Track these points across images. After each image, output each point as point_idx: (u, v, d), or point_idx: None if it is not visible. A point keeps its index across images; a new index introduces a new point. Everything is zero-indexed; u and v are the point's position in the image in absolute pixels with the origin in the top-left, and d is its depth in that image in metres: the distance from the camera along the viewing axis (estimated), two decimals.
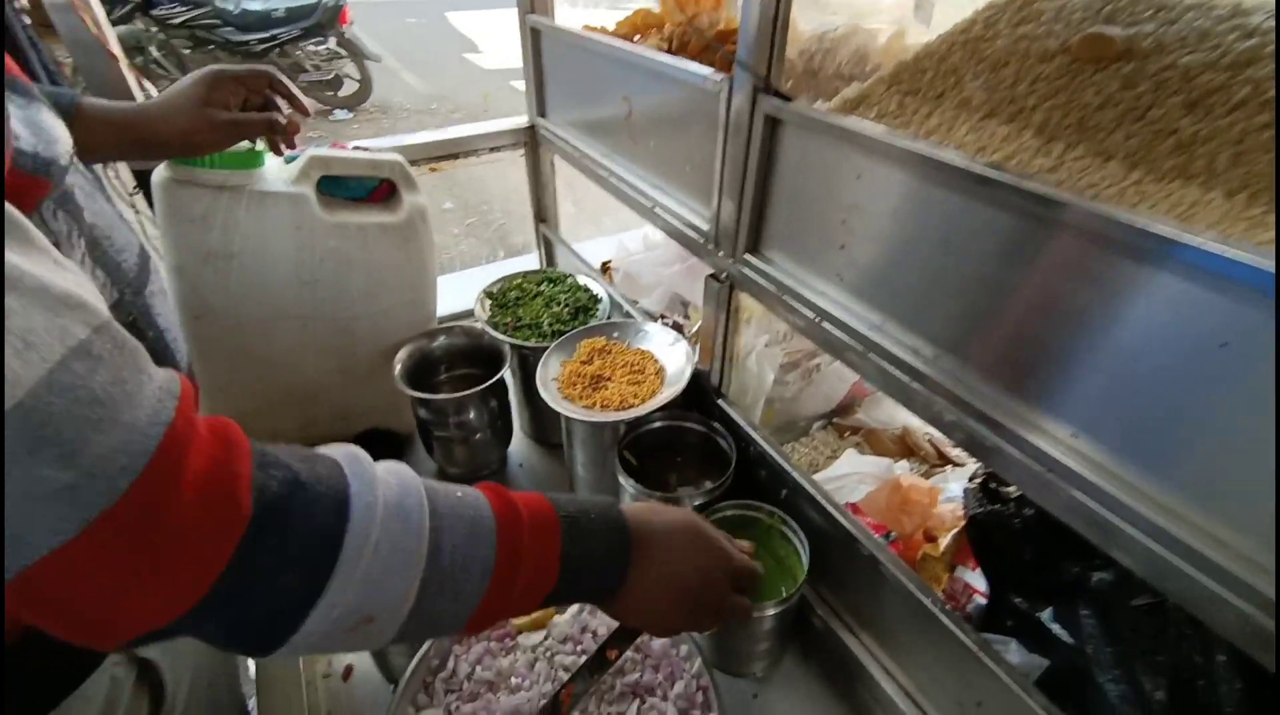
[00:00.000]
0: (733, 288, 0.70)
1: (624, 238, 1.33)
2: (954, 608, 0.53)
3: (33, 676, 0.45)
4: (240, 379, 0.84)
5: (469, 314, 1.06)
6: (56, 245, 0.40)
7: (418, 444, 1.00)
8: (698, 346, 0.84)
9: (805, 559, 0.66)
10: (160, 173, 0.73)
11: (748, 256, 0.65)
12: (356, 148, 0.89)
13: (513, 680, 0.56)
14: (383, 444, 0.97)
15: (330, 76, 4.77)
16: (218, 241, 0.75)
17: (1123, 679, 0.44)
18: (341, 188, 0.85)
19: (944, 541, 0.63)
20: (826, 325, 0.57)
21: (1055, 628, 0.49)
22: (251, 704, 0.76)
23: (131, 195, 0.87)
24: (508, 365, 0.88)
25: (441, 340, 0.94)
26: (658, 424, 0.81)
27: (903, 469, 0.75)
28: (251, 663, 1.33)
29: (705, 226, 0.71)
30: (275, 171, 0.79)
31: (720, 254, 0.69)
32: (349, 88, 4.89)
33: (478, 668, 0.57)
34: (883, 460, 0.76)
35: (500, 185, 3.91)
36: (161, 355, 0.50)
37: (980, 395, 0.46)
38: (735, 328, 0.74)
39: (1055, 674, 0.49)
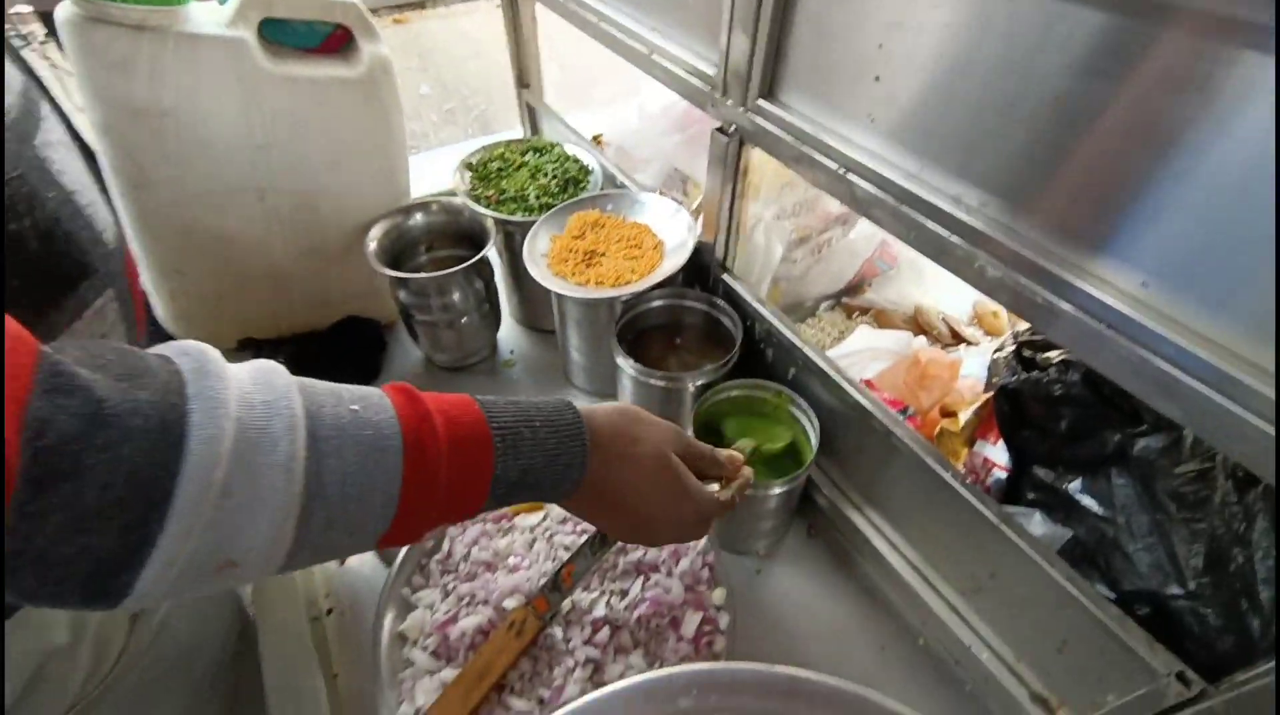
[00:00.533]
0: (743, 142, 0.62)
1: (616, 109, 1.21)
2: (973, 482, 0.51)
3: None
4: (197, 260, 0.77)
5: (445, 194, 0.98)
6: None
7: (401, 332, 0.94)
8: (699, 219, 0.77)
9: (814, 438, 0.63)
10: (65, 8, 0.62)
11: (761, 103, 0.56)
12: None
13: (510, 560, 0.53)
14: (363, 333, 0.92)
15: None
16: (144, 94, 0.65)
17: (1157, 546, 0.41)
18: (289, 34, 0.73)
19: (964, 416, 0.60)
20: (853, 177, 0.50)
21: (1084, 499, 0.46)
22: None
23: (43, 44, 0.75)
24: (492, 242, 0.81)
25: (418, 217, 0.85)
26: (657, 302, 0.75)
27: (921, 344, 0.71)
28: None
29: (711, 71, 0.61)
30: (205, 12, 0.67)
31: (729, 103, 0.60)
32: None
33: (474, 548, 0.55)
34: (901, 334, 0.71)
35: (479, 65, 3.61)
36: (71, 219, 0.42)
37: (1034, 246, 0.40)
38: (744, 191, 0.66)
39: (1078, 545, 0.47)
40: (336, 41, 0.76)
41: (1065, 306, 0.39)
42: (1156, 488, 0.42)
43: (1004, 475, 0.55)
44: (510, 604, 0.50)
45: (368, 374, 0.90)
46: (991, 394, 0.56)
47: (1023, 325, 0.66)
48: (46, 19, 0.83)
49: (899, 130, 0.47)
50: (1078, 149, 0.37)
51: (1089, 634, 0.45)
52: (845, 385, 0.60)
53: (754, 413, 0.69)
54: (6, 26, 0.73)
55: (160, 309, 0.79)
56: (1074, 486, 0.47)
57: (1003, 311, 0.83)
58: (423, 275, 0.78)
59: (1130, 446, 0.43)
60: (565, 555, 0.54)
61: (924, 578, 0.62)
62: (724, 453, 0.51)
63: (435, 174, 1.07)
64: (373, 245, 0.80)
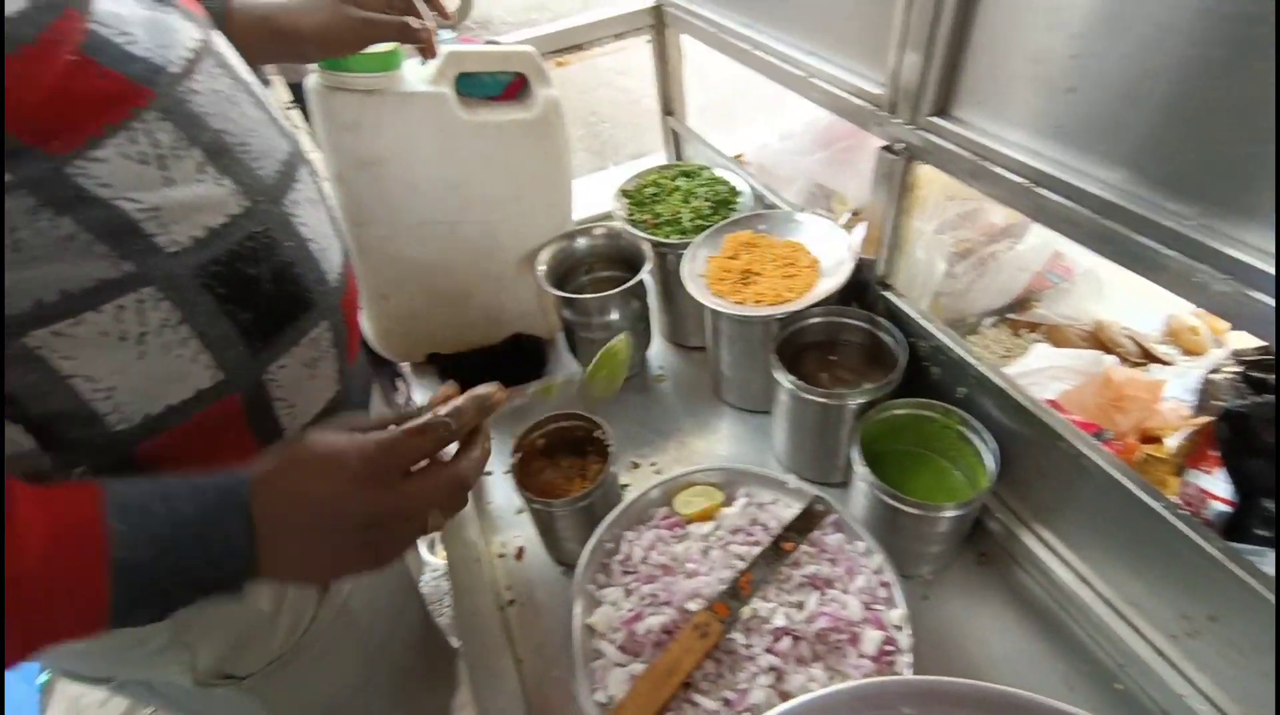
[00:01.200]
0: (910, 159, 0.62)
1: (756, 129, 1.24)
2: (1188, 514, 0.47)
3: None
4: (400, 285, 0.88)
5: (601, 218, 1.04)
6: (158, 158, 0.40)
7: (561, 347, 1.02)
8: (851, 233, 0.77)
9: (991, 461, 0.61)
10: (312, 81, 0.74)
11: (934, 119, 0.56)
12: (488, 43, 0.86)
13: (688, 565, 0.56)
14: (529, 348, 1.00)
15: None
16: (369, 148, 0.76)
17: None
18: (476, 86, 0.83)
19: (1171, 441, 0.55)
20: (1042, 190, 0.49)
21: None
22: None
23: (287, 110, 0.90)
24: (649, 264, 0.86)
25: (582, 242, 0.92)
26: (816, 320, 0.76)
27: (1112, 362, 0.66)
28: (424, 551, 1.49)
29: (877, 90, 0.62)
30: (414, 72, 0.78)
31: (897, 121, 0.61)
32: (451, 3, 4.84)
33: (652, 552, 0.58)
34: (1088, 352, 0.67)
35: (605, 94, 3.79)
36: (302, 263, 0.50)
37: (1266, 256, 0.37)
38: (908, 207, 0.66)
39: None
40: (515, 88, 0.85)
41: None
42: None
43: (1225, 508, 0.50)
44: (692, 606, 0.53)
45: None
46: (1209, 419, 0.51)
47: (1241, 343, 0.59)
48: (293, 89, 1.01)
49: (1096, 140, 0.45)
50: None
51: None
52: (1028, 405, 0.57)
53: (921, 434, 0.68)
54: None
55: (369, 330, 0.92)
56: None
57: (1204, 328, 0.75)
58: (587, 296, 0.84)
59: None
60: (740, 564, 0.56)
61: (1122, 616, 0.57)
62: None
63: (589, 197, 1.15)
64: (542, 268, 0.87)
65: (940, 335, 0.66)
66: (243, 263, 0.46)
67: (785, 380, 0.69)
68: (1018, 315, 0.83)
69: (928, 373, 0.70)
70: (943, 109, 0.56)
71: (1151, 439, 0.57)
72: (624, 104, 3.76)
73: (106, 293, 0.39)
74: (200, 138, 0.44)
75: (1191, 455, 0.54)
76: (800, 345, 0.77)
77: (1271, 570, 0.43)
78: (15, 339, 0.37)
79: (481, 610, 0.68)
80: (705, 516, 0.61)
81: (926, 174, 0.63)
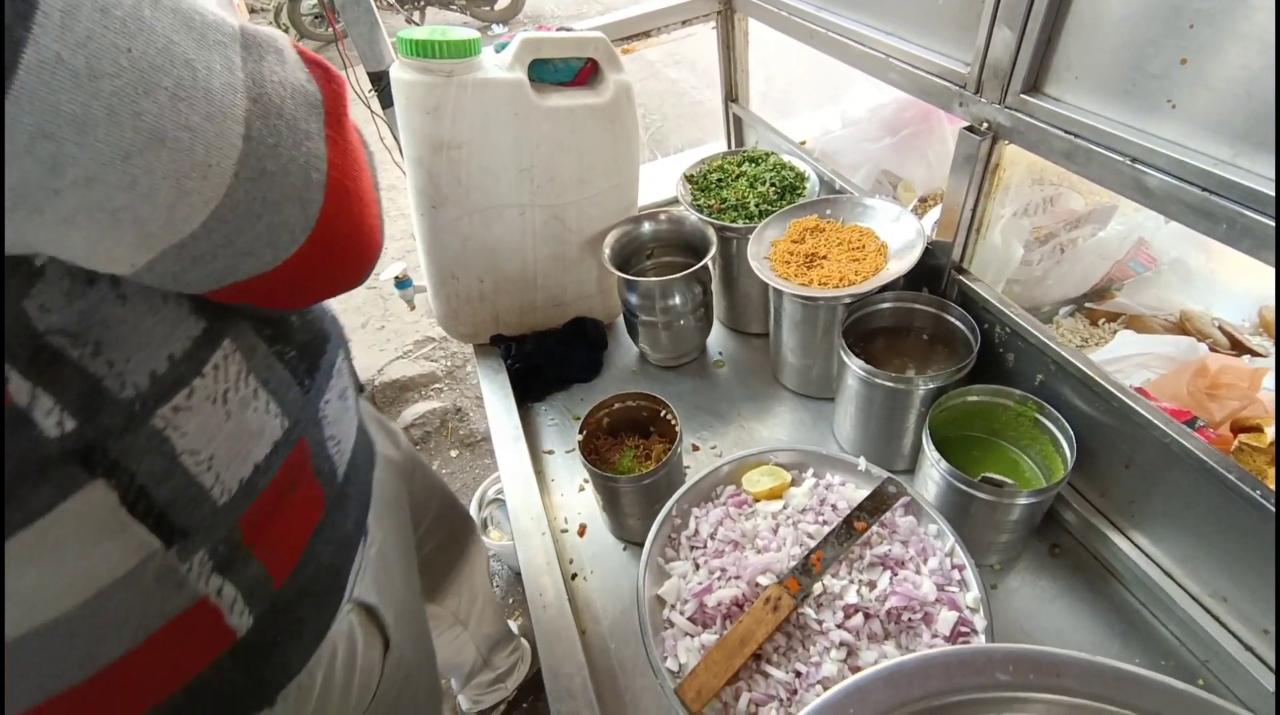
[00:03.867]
0: (995, 139, 0.60)
1: (819, 115, 1.22)
2: None
3: (291, 630, 0.47)
4: (467, 267, 0.91)
5: (664, 204, 1.05)
6: None
7: (620, 332, 1.03)
8: (924, 219, 0.76)
9: (1069, 450, 0.60)
10: (395, 67, 0.77)
11: (1026, 97, 0.55)
12: (560, 29, 0.87)
13: (758, 541, 0.57)
14: (590, 332, 1.02)
15: None
16: (448, 131, 0.79)
17: None
18: (550, 72, 0.84)
19: (1272, 431, 0.53)
20: (1144, 168, 0.47)
21: None
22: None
23: (368, 94, 0.94)
24: (714, 249, 0.86)
25: (647, 226, 0.93)
26: (885, 305, 0.75)
27: (1205, 351, 0.63)
28: (495, 535, 1.53)
29: (962, 69, 0.61)
30: (491, 59, 0.80)
31: (983, 100, 0.59)
32: (503, 1, 4.91)
33: (720, 528, 0.59)
34: (1181, 339, 0.64)
35: (653, 85, 3.79)
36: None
37: None
38: (990, 190, 0.64)
39: None
40: (586, 74, 0.86)
41: None
42: None
43: None
44: (764, 581, 0.53)
45: (593, 368, 1.00)
46: None
47: None
48: (371, 77, 1.04)
49: (1210, 115, 0.43)
50: None
51: None
52: (1114, 391, 0.56)
53: (993, 422, 0.67)
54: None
55: (437, 310, 0.95)
56: None
57: None
58: (652, 279, 0.85)
59: None
60: (810, 542, 0.56)
61: (1208, 611, 0.55)
62: None
63: (651, 183, 1.15)
64: (607, 251, 0.89)
65: (1019, 319, 0.65)
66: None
67: (854, 364, 0.69)
68: (1096, 304, 0.80)
69: (1002, 359, 0.69)
70: (1035, 86, 0.55)
71: (1248, 428, 0.55)
72: (670, 95, 3.75)
73: (203, 352, 0.38)
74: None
75: None
76: (868, 330, 0.76)
77: None
78: (143, 424, 0.35)
79: (547, 581, 0.70)
80: (773, 495, 0.61)
81: (1011, 155, 0.62)
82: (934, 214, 0.75)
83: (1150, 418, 0.53)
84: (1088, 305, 0.81)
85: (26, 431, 0.31)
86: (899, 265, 0.73)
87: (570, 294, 0.98)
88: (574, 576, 0.74)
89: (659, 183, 1.15)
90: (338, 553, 0.52)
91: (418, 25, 4.08)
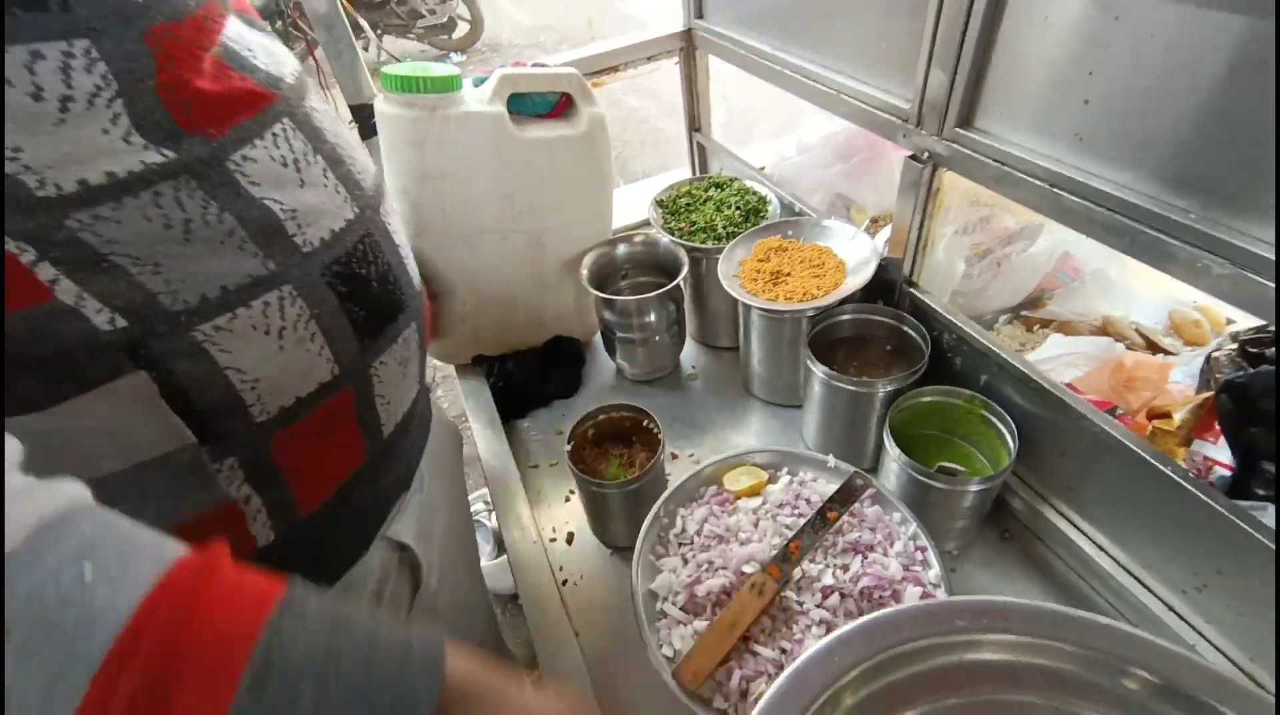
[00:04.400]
0: (935, 167, 0.68)
1: (776, 143, 1.31)
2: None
3: (313, 557, 0.53)
4: (451, 290, 0.94)
5: (635, 227, 1.11)
6: (294, 162, 0.46)
7: (598, 350, 1.08)
8: (877, 238, 0.83)
9: (1012, 442, 0.67)
10: (380, 101, 0.81)
11: (959, 130, 0.63)
12: (535, 65, 0.93)
13: (741, 534, 0.62)
14: (568, 350, 1.06)
15: (445, 19, 4.87)
16: (433, 163, 0.83)
17: None
18: (527, 105, 0.89)
19: (1179, 416, 0.61)
20: (1062, 192, 0.55)
21: None
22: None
23: (349, 125, 0.97)
24: (685, 269, 0.92)
25: (622, 248, 0.99)
26: (845, 317, 0.82)
27: (1122, 350, 0.72)
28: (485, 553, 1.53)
29: (905, 105, 0.69)
30: (471, 93, 0.85)
31: (923, 132, 0.67)
32: (461, 29, 4.98)
33: (705, 525, 0.64)
34: (1103, 339, 0.73)
35: (615, 114, 3.89)
36: (399, 267, 0.55)
37: (1264, 243, 0.43)
38: (933, 212, 0.72)
39: None
40: (562, 107, 0.91)
41: None
42: None
43: (1228, 473, 0.55)
44: (748, 569, 0.58)
45: (572, 385, 1.04)
46: (1210, 394, 0.56)
47: (1240, 326, 0.65)
48: (353, 110, 1.08)
49: (1109, 146, 0.51)
50: None
51: None
52: (1048, 387, 0.63)
53: (945, 420, 0.74)
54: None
55: None
56: None
57: (1204, 321, 0.81)
58: (629, 297, 0.91)
59: None
60: (789, 532, 0.61)
61: (1137, 579, 0.62)
62: None
63: (619, 208, 1.21)
64: (585, 272, 0.94)
65: (964, 327, 0.72)
66: (358, 263, 0.50)
67: (819, 371, 0.75)
68: (1031, 312, 0.88)
69: (951, 363, 0.76)
70: (967, 120, 0.63)
71: (1159, 415, 0.63)
72: (631, 123, 3.86)
73: (257, 289, 0.43)
74: (322, 148, 0.49)
75: (1196, 427, 0.60)
76: (830, 340, 0.83)
77: (1271, 523, 0.48)
78: (185, 333, 0.40)
79: (541, 587, 0.73)
80: (753, 492, 0.66)
81: (950, 180, 0.70)
82: (885, 233, 0.82)
83: (1079, 409, 0.61)
84: (1023, 313, 0.89)
85: (78, 323, 0.37)
86: (856, 280, 0.80)
87: (549, 314, 1.02)
88: (564, 582, 0.78)
89: (626, 207, 1.21)
90: (374, 502, 0.58)
91: (367, 52, 4.09)
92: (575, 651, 0.67)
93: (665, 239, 0.96)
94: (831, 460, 0.68)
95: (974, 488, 0.65)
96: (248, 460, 0.46)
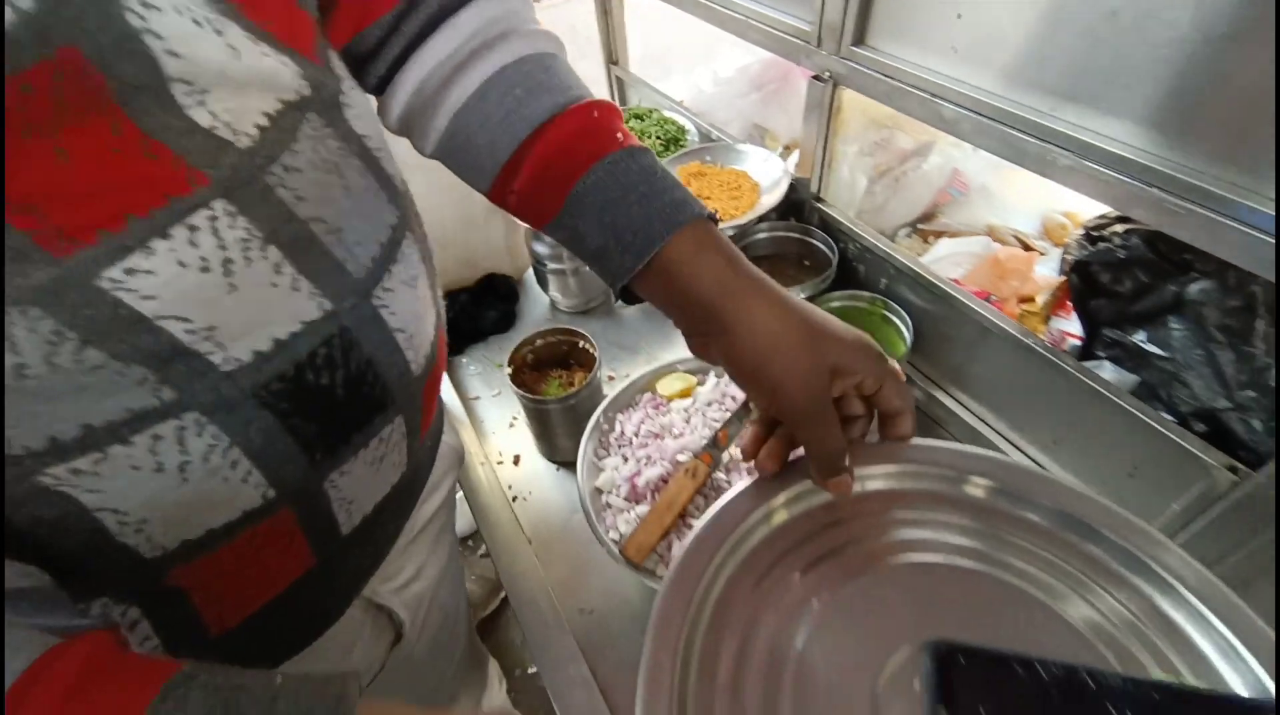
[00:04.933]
0: (836, 85, 0.73)
1: (692, 76, 1.33)
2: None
3: (282, 628, 0.44)
4: None
5: None
6: (225, 263, 0.31)
7: (531, 285, 1.10)
8: (789, 160, 0.89)
9: (908, 335, 0.75)
10: None
11: (854, 49, 0.68)
12: None
13: (674, 430, 0.68)
14: (501, 287, 1.08)
15: None
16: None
17: (1209, 372, 0.52)
18: None
19: (1041, 298, 0.70)
20: (941, 102, 0.61)
21: (1148, 346, 0.56)
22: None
23: None
24: None
25: None
26: (761, 235, 0.88)
27: (998, 247, 0.81)
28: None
29: (807, 27, 0.73)
30: None
31: (824, 52, 0.72)
32: None
33: (642, 426, 0.69)
34: (980, 238, 0.82)
35: None
36: (385, 360, 0.40)
37: (1105, 138, 0.51)
38: (835, 129, 0.78)
39: (1144, 385, 0.58)
40: None
41: (1136, 184, 0.49)
42: (1207, 323, 0.52)
43: (1078, 342, 0.66)
44: (682, 458, 0.64)
45: (507, 320, 1.06)
46: (1065, 278, 0.66)
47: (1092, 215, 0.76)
48: None
49: (979, 57, 0.58)
50: (1133, 52, 0.47)
51: (1155, 454, 0.56)
52: (938, 282, 0.71)
53: (851, 321, 0.81)
54: None
55: None
56: (1139, 337, 0.57)
57: (1070, 224, 0.92)
58: None
59: (1185, 294, 0.53)
60: (717, 424, 0.68)
61: (1010, 441, 0.73)
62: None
63: None
64: None
65: (866, 237, 0.79)
66: (314, 373, 0.36)
67: None
68: (926, 225, 0.97)
69: (856, 270, 0.83)
70: (860, 39, 0.68)
71: (1026, 299, 0.73)
72: None
73: (139, 424, 0.31)
74: (281, 233, 0.33)
75: (1054, 307, 0.70)
76: (751, 258, 0.89)
77: (1110, 376, 0.58)
78: (26, 479, 0.29)
79: (495, 508, 0.78)
80: (684, 395, 0.72)
81: (850, 99, 0.75)
82: (795, 157, 0.88)
83: (963, 300, 0.69)
84: (920, 227, 0.98)
85: None
86: (770, 199, 0.85)
87: (479, 253, 1.04)
88: (514, 499, 0.82)
89: None
90: (327, 597, 0.48)
91: None
92: (530, 557, 0.72)
93: None
94: None
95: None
96: (129, 595, 0.36)
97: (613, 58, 1.21)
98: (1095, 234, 0.60)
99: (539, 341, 0.84)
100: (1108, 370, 0.60)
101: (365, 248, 0.38)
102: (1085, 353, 0.64)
